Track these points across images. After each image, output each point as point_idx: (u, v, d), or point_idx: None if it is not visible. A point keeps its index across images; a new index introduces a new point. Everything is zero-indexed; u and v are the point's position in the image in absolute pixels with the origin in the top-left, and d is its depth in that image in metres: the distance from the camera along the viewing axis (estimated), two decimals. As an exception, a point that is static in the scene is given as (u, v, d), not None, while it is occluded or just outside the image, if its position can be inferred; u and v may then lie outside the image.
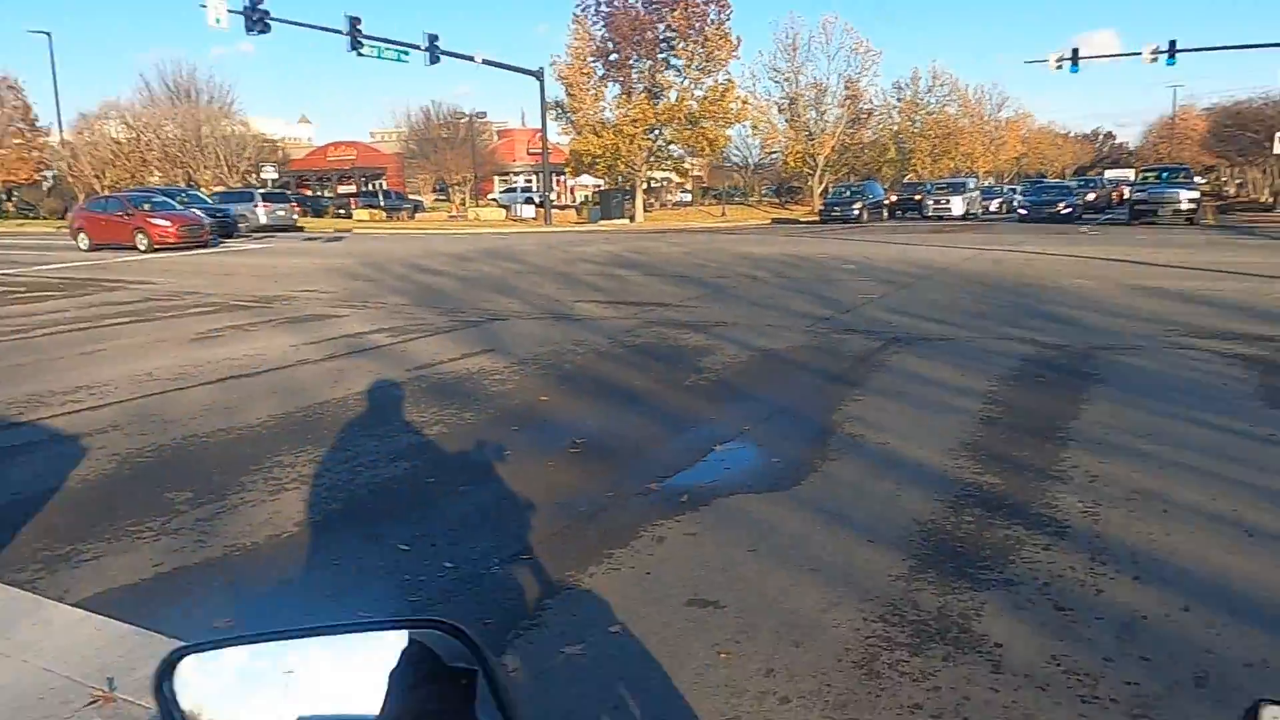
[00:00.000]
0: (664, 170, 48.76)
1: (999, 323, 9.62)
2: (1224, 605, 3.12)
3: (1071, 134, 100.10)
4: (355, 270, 17.50)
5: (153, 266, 19.01)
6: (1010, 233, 26.75)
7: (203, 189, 37.93)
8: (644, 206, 43.96)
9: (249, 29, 25.66)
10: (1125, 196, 43.45)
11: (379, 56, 30.85)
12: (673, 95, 40.63)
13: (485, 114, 61.17)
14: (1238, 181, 66.29)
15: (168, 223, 23.43)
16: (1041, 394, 6.46)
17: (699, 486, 4.55)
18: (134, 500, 4.48)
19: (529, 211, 45.41)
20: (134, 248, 23.17)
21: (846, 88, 49.86)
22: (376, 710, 0.78)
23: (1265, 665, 2.73)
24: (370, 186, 61.68)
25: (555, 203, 51.03)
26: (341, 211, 49.41)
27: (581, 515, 4.20)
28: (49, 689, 2.60)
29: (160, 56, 74.34)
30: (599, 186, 49.54)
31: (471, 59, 35.06)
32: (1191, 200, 29.18)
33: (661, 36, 40.17)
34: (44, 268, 19.23)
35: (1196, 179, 35.95)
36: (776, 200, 61.70)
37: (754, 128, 51.06)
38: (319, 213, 50.35)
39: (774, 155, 55.54)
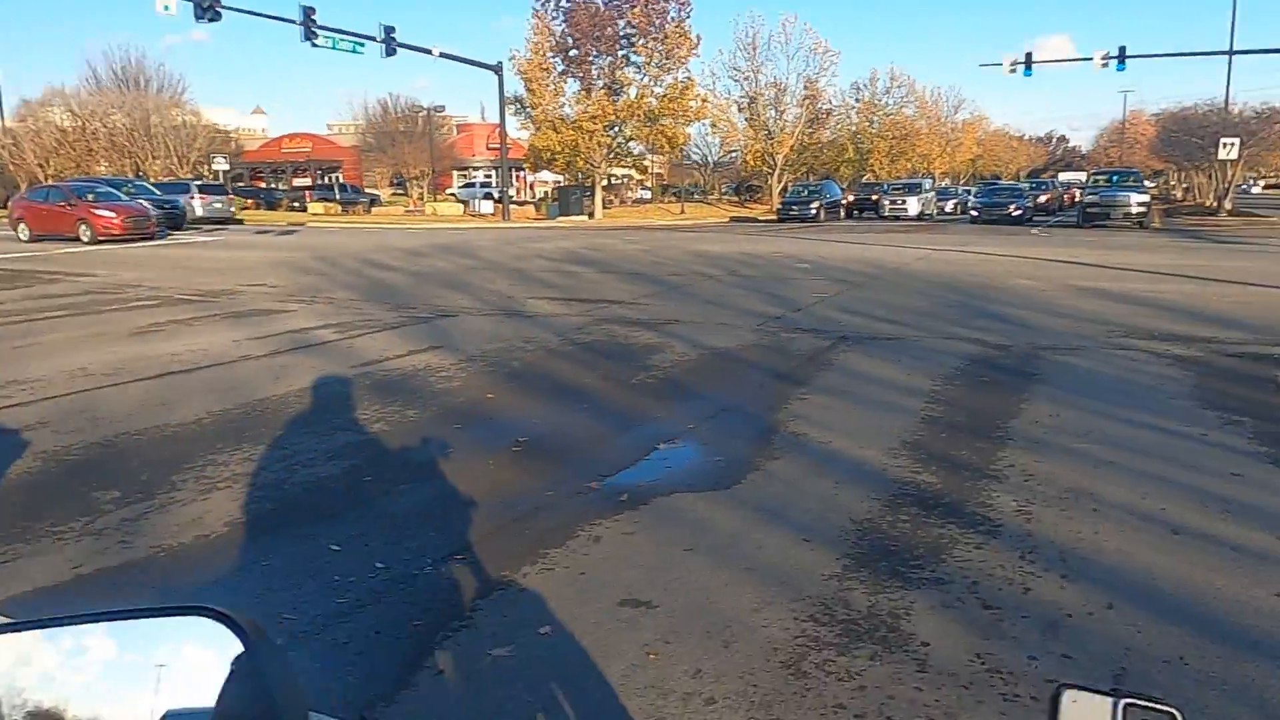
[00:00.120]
0: (624, 167, 48.76)
1: (947, 322, 9.74)
2: (1146, 603, 3.17)
3: (1026, 137, 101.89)
4: (306, 264, 17.23)
5: (95, 258, 18.54)
6: (963, 234, 27.15)
7: (149, 180, 37.05)
8: (603, 203, 43.92)
9: (198, 17, 25.15)
10: (1076, 199, 44.34)
11: (334, 47, 30.42)
12: (632, 92, 40.62)
13: (444, 108, 60.66)
14: (1184, 186, 67.93)
15: (112, 214, 22.87)
16: (984, 393, 6.54)
17: (639, 485, 4.54)
18: (58, 500, 4.35)
19: (487, 207, 45.11)
20: (77, 239, 22.59)
21: (805, 88, 50.19)
22: (152, 696, 0.77)
23: (1183, 663, 2.78)
24: (326, 179, 60.77)
25: (514, 198, 50.78)
26: (296, 205, 48.61)
27: (520, 514, 4.16)
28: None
29: (109, 43, 72.43)
30: (559, 182, 49.34)
31: (429, 52, 34.72)
32: (1141, 204, 29.60)
33: (621, 33, 40.13)
34: (-19, 259, 18.67)
35: (1145, 183, 36.72)
36: (736, 199, 61.96)
37: (713, 126, 51.26)
38: (272, 206, 49.51)
39: (733, 154, 55.79)
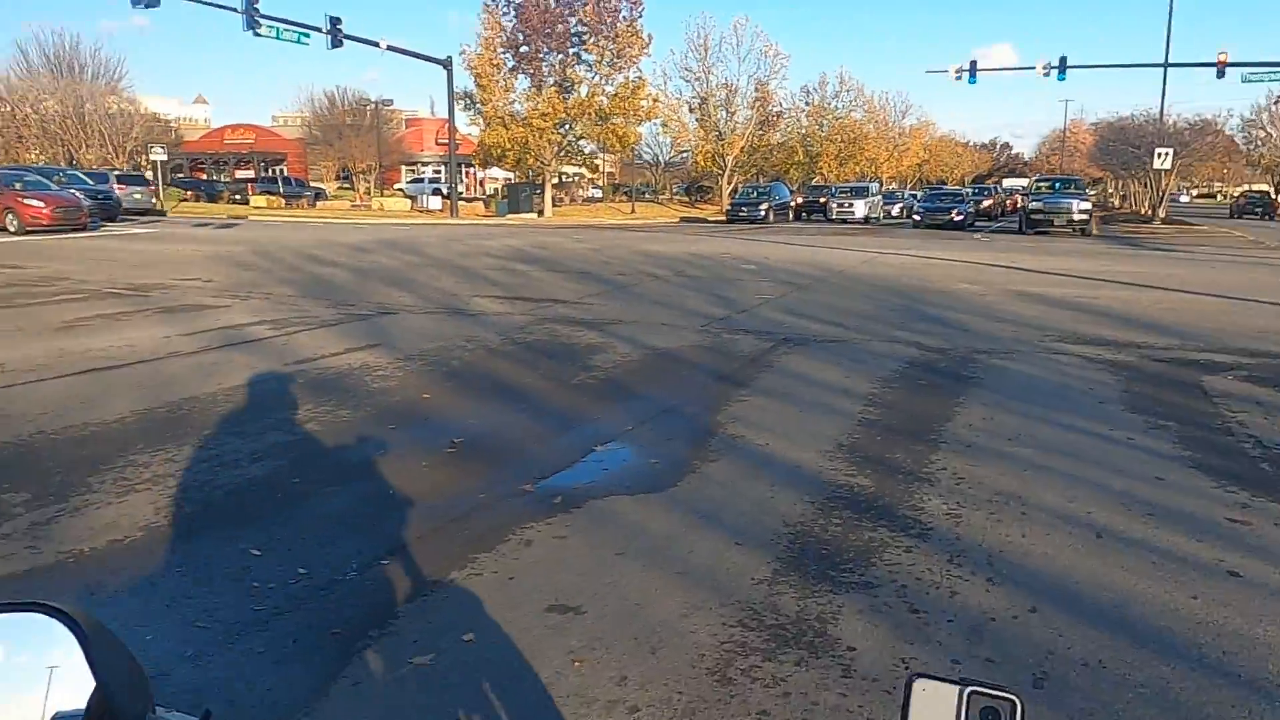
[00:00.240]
0: (575, 165, 48.59)
1: (888, 325, 9.84)
2: (1069, 606, 3.21)
3: (971, 143, 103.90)
4: (244, 259, 16.84)
5: (22, 250, 17.91)
6: (907, 238, 27.57)
7: (80, 169, 35.91)
8: (554, 201, 43.74)
9: (135, 2, 24.42)
10: (1018, 205, 45.30)
11: (278, 37, 29.82)
12: (583, 90, 40.52)
13: (391, 101, 59.90)
14: (1121, 194, 69.86)
15: (41, 203, 22.10)
16: (921, 397, 6.61)
17: (574, 488, 4.48)
18: (-37, 502, 4.15)
19: (436, 203, 44.64)
20: (3, 229, 21.79)
21: (756, 90, 50.59)
22: None
23: (1101, 666, 2.81)
24: (270, 172, 59.66)
25: (464, 195, 50.32)
26: (238, 197, 47.60)
27: (451, 517, 4.07)
28: None
29: (42, 26, 70.02)
30: (509, 180, 49.01)
31: (376, 45, 34.22)
32: (1083, 211, 30.13)
33: (573, 30, 40.02)
34: (-100, 248, 17.91)
35: (1087, 190, 37.55)
36: (686, 199, 62.19)
37: (665, 126, 51.42)
38: (213, 198, 48.43)
39: (684, 154, 56.02)
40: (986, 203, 44.26)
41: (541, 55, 40.30)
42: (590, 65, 40.85)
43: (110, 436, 5.26)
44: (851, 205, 39.90)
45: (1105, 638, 2.99)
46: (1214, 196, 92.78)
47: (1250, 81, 36.19)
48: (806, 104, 59.31)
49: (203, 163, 65.10)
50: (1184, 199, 78.01)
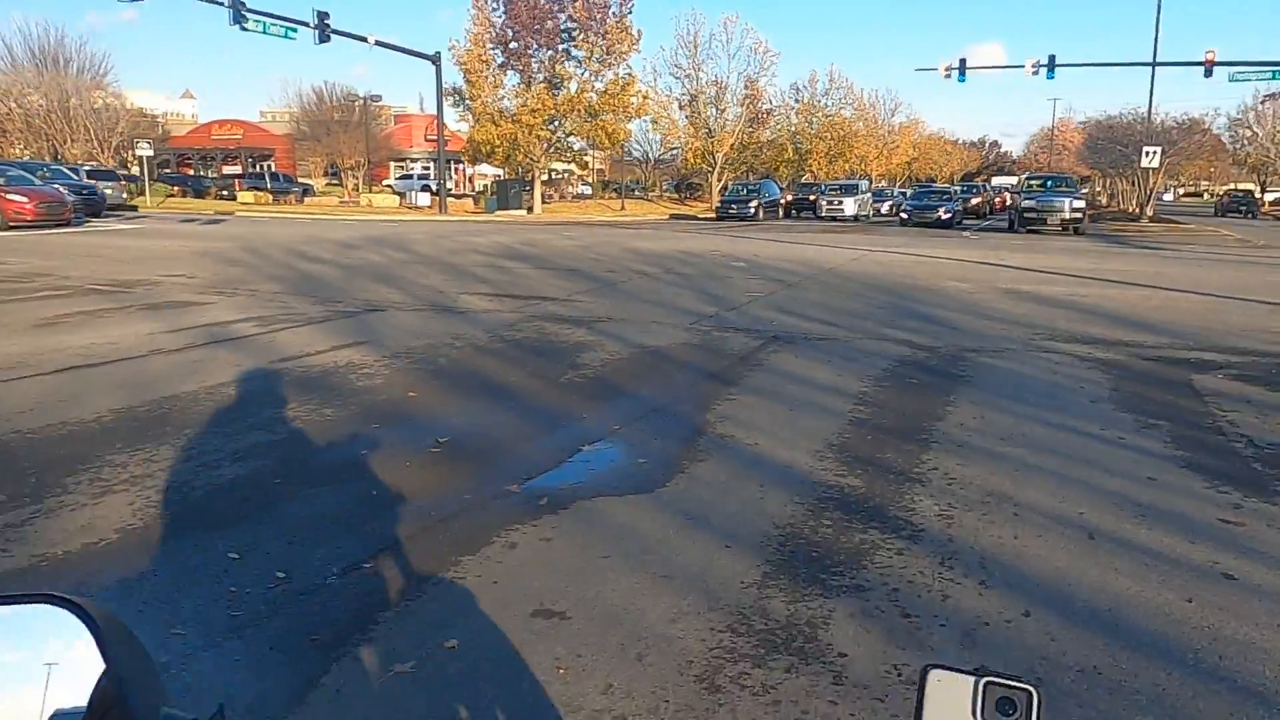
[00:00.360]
0: (564, 162, 48.42)
1: (878, 323, 9.80)
2: (1062, 610, 3.16)
3: (960, 141, 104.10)
4: (231, 255, 16.70)
5: (4, 246, 17.69)
6: (896, 235, 27.58)
7: (64, 164, 35.59)
8: (543, 198, 43.61)
9: (120, -5, 24.17)
10: (1007, 203, 45.38)
11: (264, 32, 29.59)
12: (573, 87, 40.36)
13: (380, 97, 59.57)
14: (1109, 192, 70.15)
15: (24, 199, 21.87)
16: (911, 395, 6.56)
17: (561, 488, 4.41)
18: (-65, 504, 4.05)
19: (424, 199, 44.46)
20: (-14, 224, 21.57)
21: (746, 87, 50.56)
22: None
23: (1096, 672, 2.76)
24: (257, 168, 59.26)
25: (453, 191, 50.13)
26: (225, 193, 47.30)
27: (435, 519, 4.00)
28: None
29: (27, 20, 69.38)
30: (498, 176, 48.83)
31: (364, 40, 34.00)
32: (1076, 209, 29.69)
33: (562, 26, 39.87)
34: (-120, 243, 17.68)
35: (1080, 188, 37.46)
36: (676, 196, 62.15)
37: (654, 123, 51.30)
38: (200, 193, 48.12)
39: (674, 151, 55.93)
40: (975, 201, 44.33)
41: (531, 51, 40.13)
42: (580, 61, 40.71)
43: (88, 436, 5.16)
44: (841, 203, 39.89)
45: (1100, 642, 2.94)
46: (1200, 195, 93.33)
47: (1237, 81, 36.34)
48: (796, 101, 59.36)
49: (190, 158, 64.66)
50: (1167, 197, 78.30)
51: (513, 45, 40.14)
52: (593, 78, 40.57)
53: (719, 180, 50.18)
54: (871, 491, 4.41)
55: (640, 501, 4.25)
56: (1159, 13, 40.17)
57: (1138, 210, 44.19)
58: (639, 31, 40.46)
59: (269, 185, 48.01)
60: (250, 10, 28.91)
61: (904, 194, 48.32)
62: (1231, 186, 71.80)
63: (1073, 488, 4.45)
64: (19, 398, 5.97)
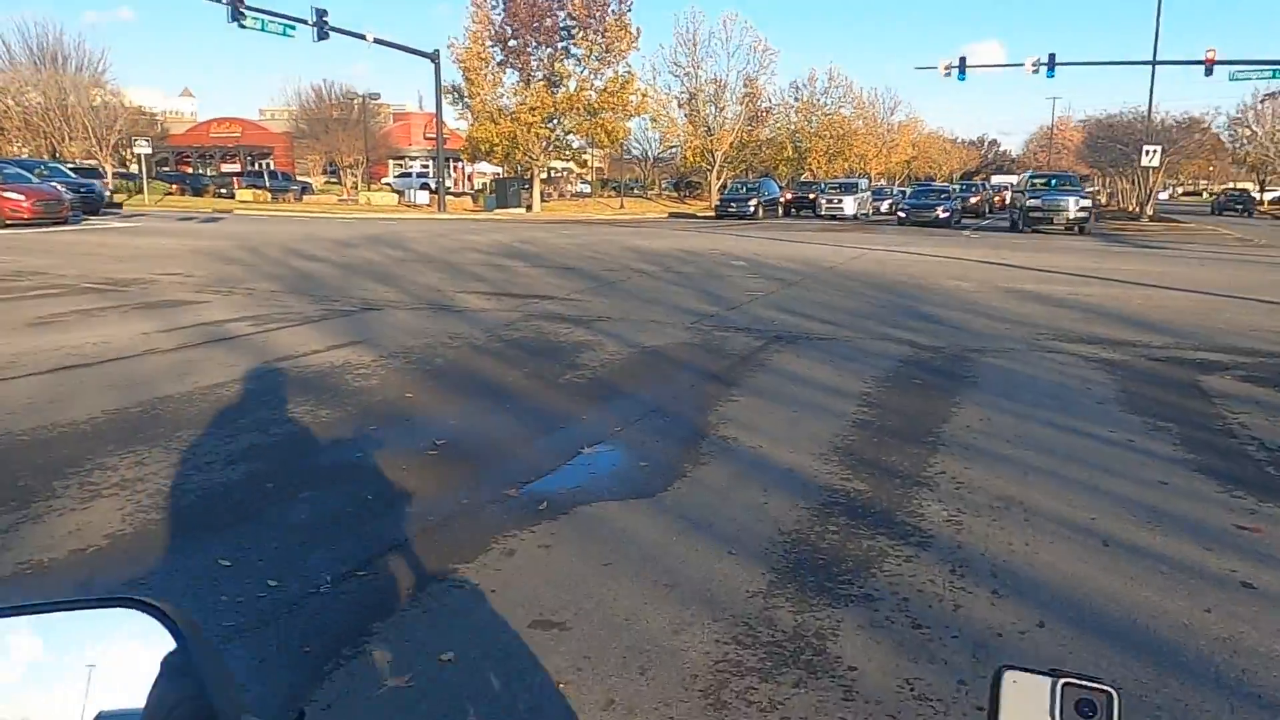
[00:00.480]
0: (563, 160, 48.34)
1: (879, 323, 9.71)
2: (1077, 621, 3.07)
3: (959, 140, 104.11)
4: (228, 253, 16.60)
5: (0, 244, 17.58)
6: (897, 234, 27.50)
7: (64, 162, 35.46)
8: (542, 196, 43.50)
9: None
10: (1007, 201, 45.28)
11: (263, 29, 29.47)
12: (572, 85, 40.27)
13: (379, 95, 59.44)
14: (1108, 191, 70.07)
15: (21, 196, 21.77)
16: (915, 396, 6.47)
17: (560, 493, 4.32)
18: (-81, 509, 3.95)
19: (423, 197, 44.34)
20: (-17, 222, 21.45)
21: (745, 85, 50.48)
22: (81, 695, 0.73)
23: (1114, 685, 2.66)
24: (256, 166, 59.13)
25: (452, 190, 50.00)
26: (223, 191, 47.17)
27: (431, 524, 3.90)
28: None
29: (24, 18, 69.19)
30: (497, 174, 48.73)
31: (363, 37, 33.90)
32: (1083, 208, 29.04)
33: (561, 24, 39.77)
34: (-125, 241, 17.56)
35: (1086, 187, 37.17)
36: (675, 194, 62.04)
37: (653, 121, 51.26)
38: (198, 192, 48.00)
39: (673, 149, 55.88)
40: (974, 200, 44.19)
41: (530, 49, 40.04)
42: (579, 59, 40.64)
43: (79, 438, 5.06)
44: (841, 201, 39.80)
45: (1117, 655, 2.85)
46: (1200, 194, 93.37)
47: (1238, 80, 36.28)
48: (796, 100, 59.30)
49: (188, 156, 64.52)
50: (1163, 195, 78.32)
51: (512, 43, 40.04)
52: (592, 76, 40.52)
53: (718, 179, 50.08)
54: (878, 496, 4.32)
55: (641, 506, 4.15)
56: (1159, 11, 40.04)
57: (1138, 209, 44.12)
58: (638, 29, 40.43)
59: (267, 183, 47.90)
60: (249, 7, 28.79)
61: (903, 192, 48.22)
62: (1230, 185, 71.89)
63: (1083, 492, 4.36)
64: (9, 398, 5.87)
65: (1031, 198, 30.29)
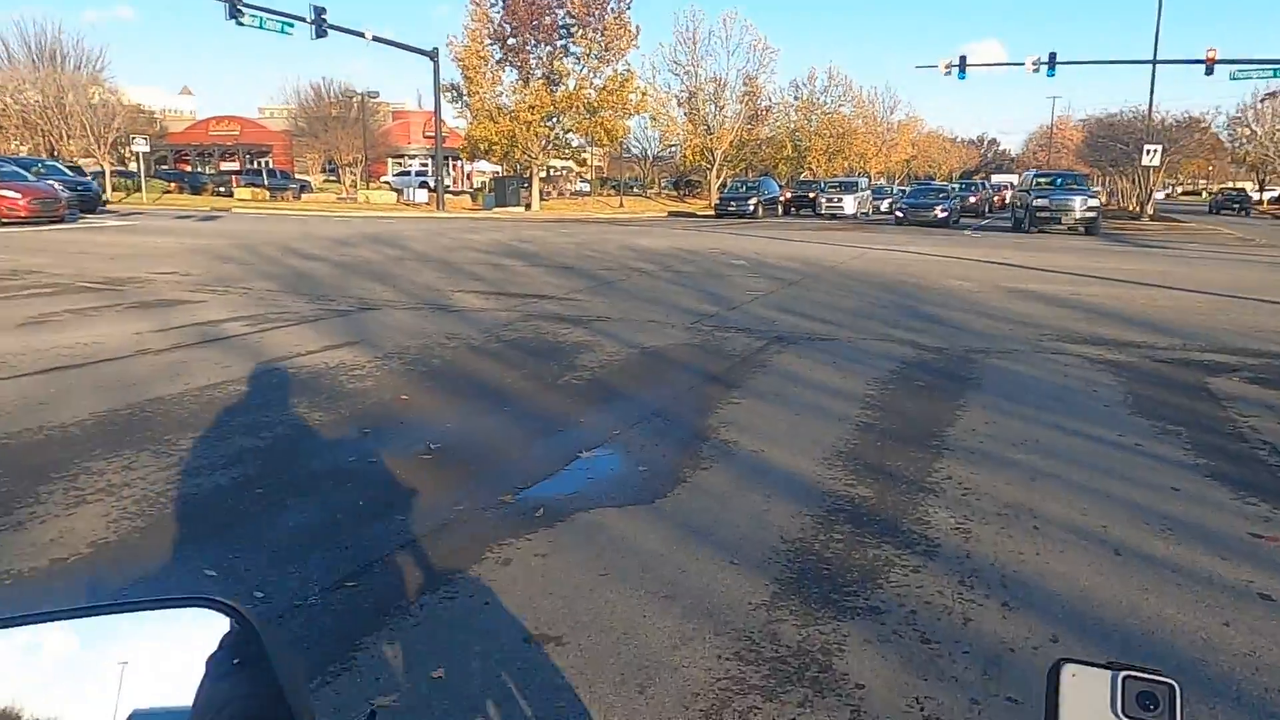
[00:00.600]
0: (562, 159, 48.24)
1: (882, 323, 9.60)
2: (1092, 635, 2.97)
3: (959, 139, 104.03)
4: (225, 252, 16.48)
5: (-4, 242, 17.48)
6: (897, 233, 27.38)
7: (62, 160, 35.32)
8: (541, 195, 43.36)
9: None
10: (1007, 200, 45.14)
11: (261, 27, 29.34)
12: (571, 83, 40.11)
13: (378, 93, 59.30)
14: (1108, 190, 69.97)
15: (17, 195, 21.63)
16: (920, 399, 6.36)
17: (557, 499, 4.21)
18: (-103, 515, 3.84)
19: (422, 196, 44.19)
20: (-22, 221, 21.33)
21: (745, 84, 50.35)
22: (148, 694, 0.73)
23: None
24: (255, 164, 58.99)
25: (452, 188, 49.88)
26: (222, 189, 47.02)
27: (424, 532, 3.79)
28: None
29: (23, 16, 69.05)
30: (496, 173, 48.61)
31: (361, 35, 33.75)
32: (1092, 207, 28.28)
33: (560, 23, 39.61)
34: None
35: (1093, 186, 36.78)
36: (675, 193, 61.92)
37: (653, 120, 51.12)
38: (197, 190, 47.87)
39: (673, 148, 55.72)
40: (973, 199, 43.99)
41: (529, 47, 39.89)
42: (578, 58, 40.47)
43: (66, 441, 4.95)
44: (841, 200, 39.67)
45: (1134, 671, 2.73)
46: (1199, 194, 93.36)
47: (1238, 78, 36.15)
48: (795, 99, 59.15)
49: (187, 154, 64.37)
50: (1160, 195, 78.39)
51: (511, 41, 39.89)
52: (591, 74, 40.37)
53: (718, 177, 49.96)
54: (883, 502, 4.21)
55: (640, 513, 4.05)
56: (1160, 10, 39.87)
57: (1138, 208, 44.00)
58: (637, 27, 40.28)
59: (266, 182, 47.74)
60: (247, 4, 28.66)
61: (903, 192, 48.09)
62: (1230, 184, 71.96)
63: (1093, 499, 4.26)
64: (-4, 400, 5.76)
65: (1038, 197, 29.36)
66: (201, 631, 0.74)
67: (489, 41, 40.00)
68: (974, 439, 5.28)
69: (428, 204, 41.72)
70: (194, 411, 5.60)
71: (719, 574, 3.40)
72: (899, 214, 34.09)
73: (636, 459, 4.87)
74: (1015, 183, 48.82)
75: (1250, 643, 2.93)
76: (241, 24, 28.79)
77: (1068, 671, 0.68)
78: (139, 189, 40.90)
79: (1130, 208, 49.57)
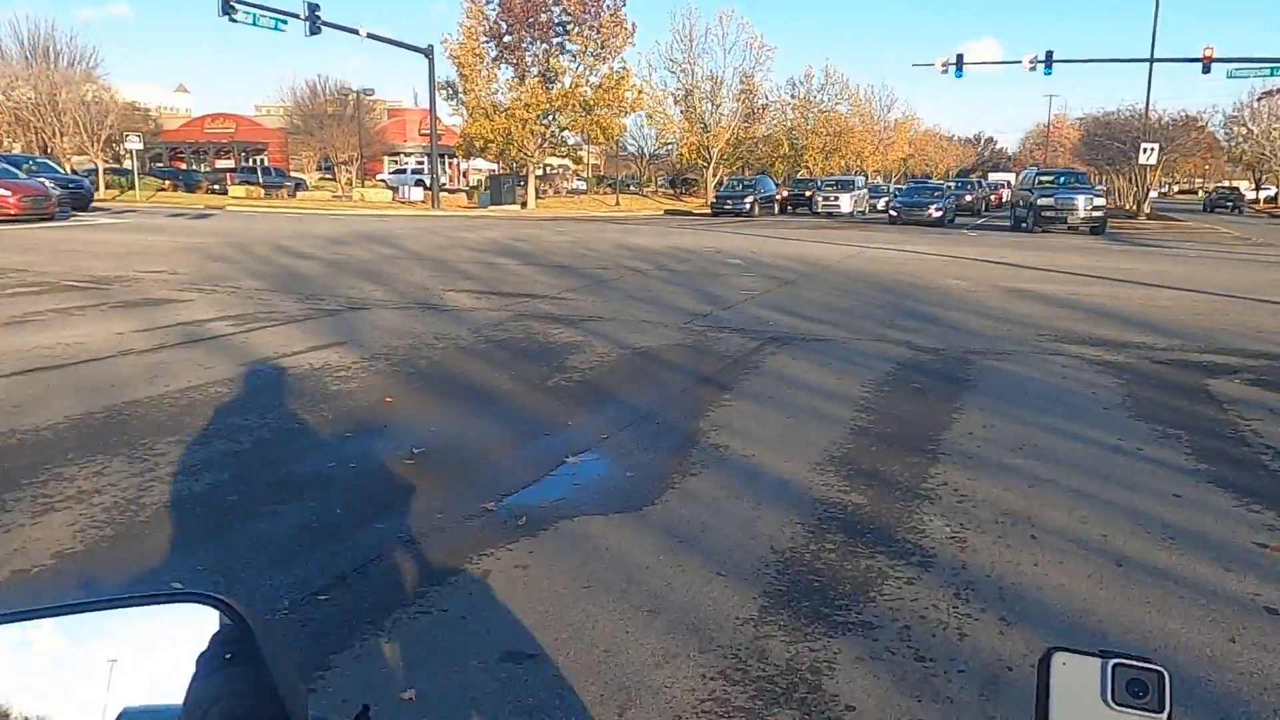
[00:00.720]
0: (558, 157, 48.08)
1: (877, 323, 9.48)
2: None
3: (955, 137, 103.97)
4: (215, 250, 16.33)
5: (-16, 240, 17.31)
6: (893, 232, 27.27)
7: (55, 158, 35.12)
8: (537, 193, 43.22)
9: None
10: (1004, 199, 45.07)
11: (254, 23, 29.19)
12: (567, 81, 39.98)
13: (373, 91, 59.03)
14: (1105, 189, 69.90)
15: (7, 192, 21.42)
16: (915, 401, 6.24)
17: (541, 506, 4.08)
18: None
19: (417, 194, 44.03)
20: (-32, 219, 21.14)
21: (742, 82, 50.21)
22: (138, 691, 0.72)
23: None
24: (250, 162, 58.83)
25: (447, 186, 49.71)
26: (216, 187, 46.84)
27: (402, 541, 3.67)
28: None
29: (16, 13, 68.80)
30: (492, 171, 48.45)
31: (355, 32, 33.59)
32: (1098, 207, 27.79)
33: (556, 20, 39.47)
34: None
35: (1096, 185, 36.46)
36: (671, 191, 61.80)
37: (649, 118, 50.97)
38: (191, 188, 47.68)
39: (669, 146, 55.55)
40: (968, 198, 43.86)
41: (525, 45, 39.74)
42: (574, 55, 40.34)
43: (38, 445, 4.82)
44: (837, 199, 39.60)
45: (1137, 691, 2.61)
46: (1195, 192, 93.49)
47: (1235, 77, 36.11)
48: (792, 97, 58.99)
49: (182, 152, 64.16)
50: (1154, 194, 78.52)
51: (506, 39, 39.74)
52: (587, 72, 40.23)
53: (714, 176, 49.81)
54: (877, 510, 4.09)
55: (626, 521, 3.92)
56: (1157, 9, 39.80)
57: (1134, 207, 43.95)
58: (633, 25, 40.16)
59: (261, 180, 47.59)
60: (239, 1, 28.48)
61: (900, 190, 47.98)
62: (1225, 183, 72.13)
63: (1092, 506, 4.14)
64: (-30, 403, 5.62)
65: (1042, 196, 28.61)
66: (193, 628, 0.73)
67: (485, 39, 39.86)
68: (971, 443, 5.16)
69: (423, 202, 41.57)
70: (172, 414, 5.47)
71: (706, 586, 3.28)
72: (893, 213, 33.62)
73: (624, 464, 4.74)
74: (1012, 181, 48.70)
75: (1258, 660, 2.81)
76: (235, 20, 28.64)
77: (1058, 660, 0.68)
78: (133, 186, 40.69)
79: (1127, 206, 49.52)
